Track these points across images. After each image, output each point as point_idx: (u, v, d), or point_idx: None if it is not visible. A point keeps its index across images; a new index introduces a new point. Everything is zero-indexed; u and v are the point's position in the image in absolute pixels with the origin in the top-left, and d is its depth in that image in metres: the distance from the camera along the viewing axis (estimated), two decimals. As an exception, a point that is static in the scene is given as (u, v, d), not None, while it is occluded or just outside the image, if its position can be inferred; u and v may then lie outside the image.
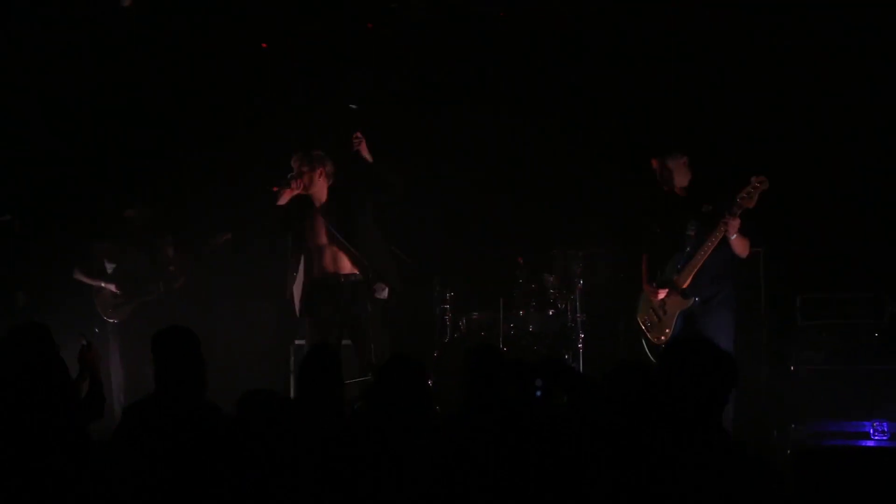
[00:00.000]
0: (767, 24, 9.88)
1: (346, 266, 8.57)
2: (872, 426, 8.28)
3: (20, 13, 10.49)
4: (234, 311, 11.45)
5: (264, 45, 11.70)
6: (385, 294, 8.64)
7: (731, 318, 7.99)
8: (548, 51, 10.97)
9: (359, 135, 8.48)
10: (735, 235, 7.77)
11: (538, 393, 4.89)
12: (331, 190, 8.68)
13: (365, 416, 5.59)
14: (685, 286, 7.94)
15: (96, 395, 6.10)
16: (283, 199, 8.55)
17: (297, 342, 10.00)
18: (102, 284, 10.17)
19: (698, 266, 7.90)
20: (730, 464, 4.10)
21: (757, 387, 8.78)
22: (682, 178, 8.11)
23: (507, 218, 11.21)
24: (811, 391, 8.74)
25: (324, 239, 8.61)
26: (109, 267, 10.25)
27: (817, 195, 9.65)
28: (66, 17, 10.67)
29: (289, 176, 8.56)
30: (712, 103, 10.15)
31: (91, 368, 6.19)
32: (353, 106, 9.51)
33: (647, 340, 8.29)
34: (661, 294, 8.12)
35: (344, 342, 8.79)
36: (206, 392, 5.56)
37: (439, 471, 4.78)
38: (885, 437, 8.23)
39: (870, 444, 8.20)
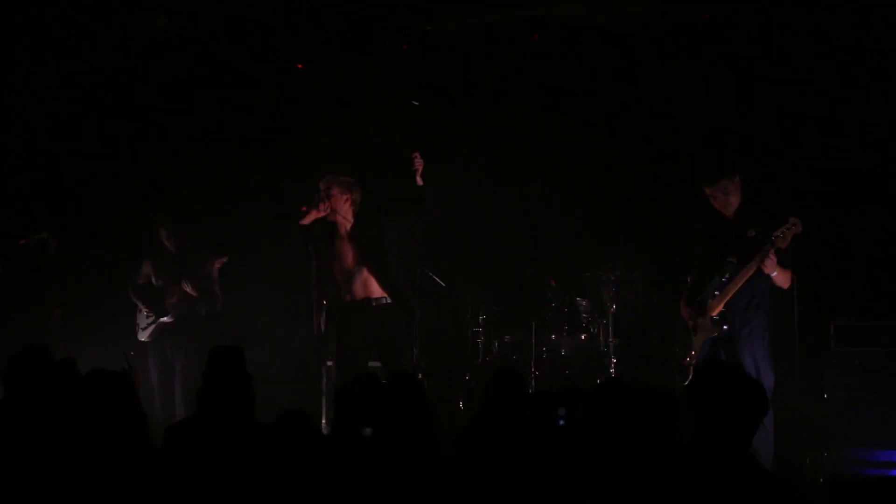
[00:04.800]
0: (819, 51, 9.87)
1: (376, 290, 8.54)
2: (907, 455, 8.24)
3: (62, 35, 10.57)
4: (265, 331, 11.46)
5: (300, 65, 11.77)
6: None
7: (762, 351, 7.89)
8: (586, 70, 10.96)
9: (418, 156, 8.43)
10: (776, 272, 7.72)
11: (561, 422, 4.88)
12: (357, 215, 8.67)
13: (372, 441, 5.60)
14: (714, 314, 7.91)
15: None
16: (307, 219, 8.55)
17: (328, 363, 10.01)
18: (139, 304, 10.21)
19: (729, 296, 7.85)
20: (758, 491, 4.08)
21: (790, 414, 8.69)
22: (735, 200, 8.06)
23: (540, 240, 11.21)
24: (845, 418, 8.71)
25: (351, 263, 8.59)
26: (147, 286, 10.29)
27: (852, 222, 9.60)
28: (106, 39, 10.74)
29: (316, 197, 8.58)
30: (748, 128, 10.12)
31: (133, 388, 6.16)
32: (416, 102, 9.44)
33: (676, 362, 8.27)
34: (690, 315, 8.10)
35: (371, 364, 8.76)
36: (253, 411, 5.55)
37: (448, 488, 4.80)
38: (919, 467, 8.19)
39: (904, 473, 8.16)
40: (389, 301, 8.54)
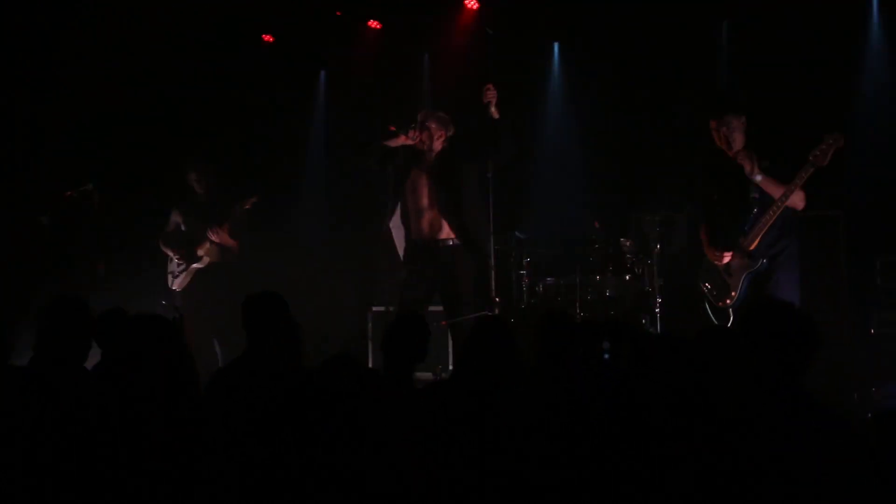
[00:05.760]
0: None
1: (445, 230, 8.49)
2: (955, 387, 8.20)
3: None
4: (312, 277, 11.51)
5: (339, 12, 11.79)
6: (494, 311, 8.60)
7: (797, 273, 7.90)
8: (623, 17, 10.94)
9: (491, 87, 8.35)
10: (798, 187, 7.67)
11: (606, 355, 4.89)
12: (441, 153, 8.62)
13: (453, 382, 5.63)
14: (752, 248, 7.86)
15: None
16: (395, 142, 8.52)
17: (374, 309, 10.06)
18: (170, 253, 10.23)
19: (766, 228, 7.80)
20: (815, 426, 4.09)
21: (837, 350, 8.67)
22: (739, 139, 8.01)
23: (584, 181, 11.21)
24: (892, 353, 8.68)
25: (425, 201, 8.54)
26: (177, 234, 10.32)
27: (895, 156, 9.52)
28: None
29: (411, 125, 8.51)
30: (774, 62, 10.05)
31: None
32: (490, 31, 9.37)
33: (711, 305, 8.23)
34: (727, 258, 8.04)
35: (431, 308, 8.77)
36: (300, 357, 5.59)
37: (516, 431, 4.81)
38: (968, 399, 8.15)
39: (952, 405, 8.12)
40: (457, 243, 8.50)
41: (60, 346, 5.36)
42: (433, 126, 8.53)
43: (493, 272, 8.62)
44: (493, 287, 8.68)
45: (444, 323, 8.72)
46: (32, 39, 10.87)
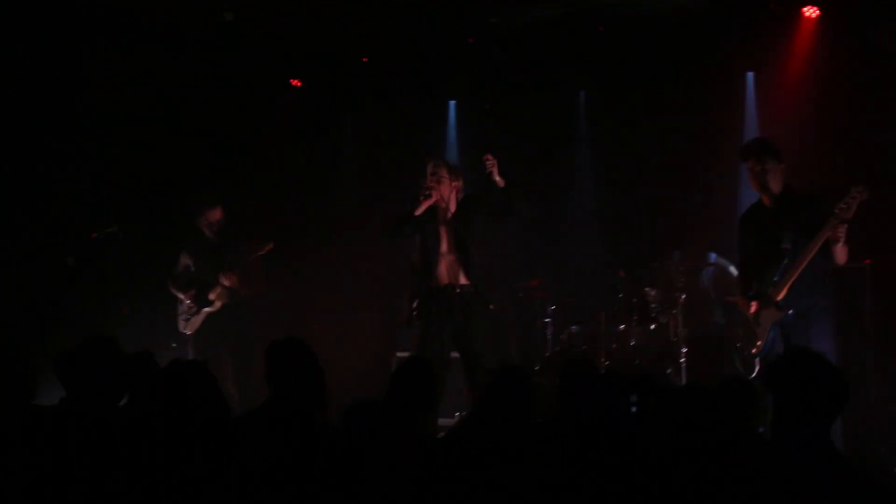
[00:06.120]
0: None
1: (462, 277, 8.50)
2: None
3: (127, 34, 10.69)
4: (337, 321, 11.52)
5: (365, 59, 11.85)
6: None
7: (831, 328, 7.82)
8: (653, 60, 10.97)
9: (490, 157, 8.37)
10: (841, 243, 7.56)
11: (633, 409, 4.87)
12: (459, 203, 8.66)
13: (468, 427, 5.61)
14: (779, 298, 7.81)
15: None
16: (422, 209, 8.52)
17: (398, 354, 10.04)
18: (181, 295, 10.16)
19: (795, 277, 7.74)
20: (842, 480, 4.05)
21: (865, 403, 8.61)
22: (776, 185, 7.97)
23: (609, 231, 11.22)
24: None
25: (445, 247, 8.57)
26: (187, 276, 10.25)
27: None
28: (172, 36, 10.85)
29: (428, 186, 8.50)
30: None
31: None
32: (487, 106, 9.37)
33: (738, 353, 8.18)
34: (754, 307, 8.00)
35: (453, 355, 8.73)
36: (325, 405, 5.52)
37: (533, 479, 4.78)
38: None
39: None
40: (472, 290, 8.50)
41: (94, 386, 5.34)
42: (444, 174, 8.56)
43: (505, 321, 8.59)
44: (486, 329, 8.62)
45: (464, 392, 8.77)
46: (55, 81, 10.93)
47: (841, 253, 7.61)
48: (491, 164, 8.33)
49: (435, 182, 8.54)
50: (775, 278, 7.77)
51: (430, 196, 8.49)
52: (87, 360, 5.44)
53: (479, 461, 4.90)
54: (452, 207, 8.62)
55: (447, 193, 8.58)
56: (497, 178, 8.34)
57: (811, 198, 7.76)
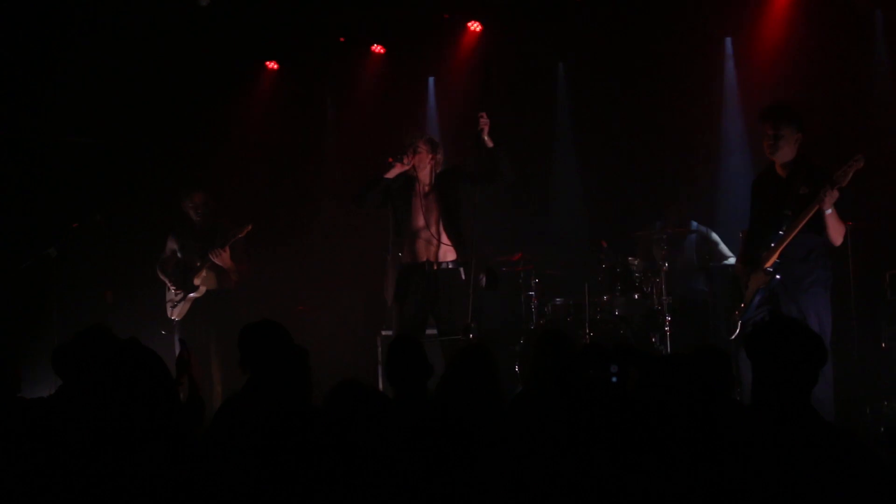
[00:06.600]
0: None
1: (439, 253, 8.41)
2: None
3: (106, 19, 10.66)
4: (321, 301, 11.53)
5: (342, 39, 11.86)
6: (484, 282, 8.45)
7: (825, 298, 7.75)
8: (630, 32, 10.98)
9: (484, 116, 8.28)
10: (831, 210, 7.48)
11: (614, 378, 4.88)
12: (437, 177, 8.56)
13: (440, 404, 5.61)
14: (768, 264, 7.80)
15: (195, 400, 5.95)
16: (393, 173, 8.45)
17: (384, 332, 10.05)
18: (166, 281, 10.17)
19: (784, 244, 7.71)
20: (820, 442, 4.08)
21: (848, 365, 8.63)
22: (788, 153, 7.87)
23: (590, 201, 11.23)
24: (903, 367, 8.67)
25: (421, 222, 8.46)
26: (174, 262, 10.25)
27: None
28: (148, 20, 10.81)
29: (405, 152, 8.45)
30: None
31: (189, 373, 6.00)
32: (490, 69, 9.31)
33: (725, 316, 8.21)
34: (743, 270, 8.02)
35: (429, 331, 8.72)
36: (309, 385, 5.47)
37: (512, 454, 4.80)
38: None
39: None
40: (451, 266, 8.44)
41: (91, 377, 5.32)
42: (422, 148, 8.51)
43: (471, 296, 8.47)
44: (471, 311, 8.42)
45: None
46: (34, 65, 10.90)
47: (833, 224, 7.56)
48: (484, 122, 8.25)
49: (410, 152, 8.48)
50: (771, 244, 7.75)
51: (401, 161, 8.43)
52: (84, 350, 5.45)
53: (452, 442, 4.90)
54: (427, 180, 8.54)
55: (423, 166, 8.51)
56: (486, 138, 8.27)
57: (822, 170, 7.69)
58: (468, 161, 8.55)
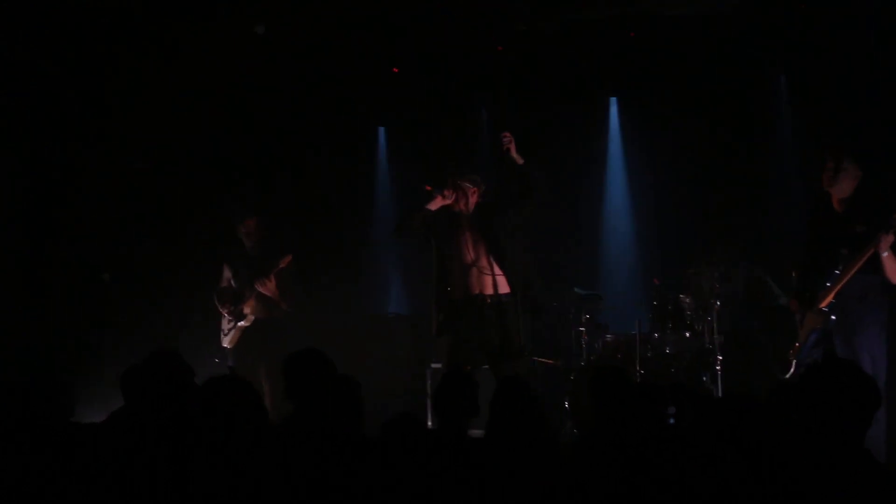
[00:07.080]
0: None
1: (489, 286, 8.31)
2: None
3: (156, 45, 10.75)
4: (370, 333, 11.51)
5: (395, 69, 11.87)
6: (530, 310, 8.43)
7: (879, 339, 7.62)
8: (685, 65, 10.95)
9: (508, 134, 8.24)
10: (887, 253, 7.42)
11: (671, 420, 4.84)
12: (478, 208, 8.48)
13: (486, 442, 5.57)
14: (823, 305, 7.74)
15: None
16: (435, 205, 8.40)
17: (433, 365, 10.03)
18: (221, 310, 10.11)
19: (840, 284, 7.65)
20: (874, 485, 4.04)
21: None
22: (847, 188, 7.80)
23: (643, 238, 11.20)
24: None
25: (470, 256, 8.37)
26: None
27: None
28: (200, 48, 10.87)
29: (445, 185, 8.40)
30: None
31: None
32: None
33: (776, 354, 8.13)
34: (799, 309, 7.96)
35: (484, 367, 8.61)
36: (360, 416, 5.42)
37: (567, 493, 4.76)
38: None
39: None
40: (504, 299, 8.32)
41: (157, 399, 5.34)
42: (467, 185, 8.47)
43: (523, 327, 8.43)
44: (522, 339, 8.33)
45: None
46: (88, 90, 11.01)
47: (889, 265, 7.49)
48: (508, 140, 8.21)
49: (452, 186, 8.43)
50: (827, 283, 7.69)
51: (442, 193, 8.39)
52: (153, 373, 5.47)
53: (499, 478, 4.86)
54: (472, 214, 8.45)
55: (465, 199, 8.43)
56: (515, 156, 8.23)
57: (879, 205, 7.56)
58: (503, 186, 8.56)
